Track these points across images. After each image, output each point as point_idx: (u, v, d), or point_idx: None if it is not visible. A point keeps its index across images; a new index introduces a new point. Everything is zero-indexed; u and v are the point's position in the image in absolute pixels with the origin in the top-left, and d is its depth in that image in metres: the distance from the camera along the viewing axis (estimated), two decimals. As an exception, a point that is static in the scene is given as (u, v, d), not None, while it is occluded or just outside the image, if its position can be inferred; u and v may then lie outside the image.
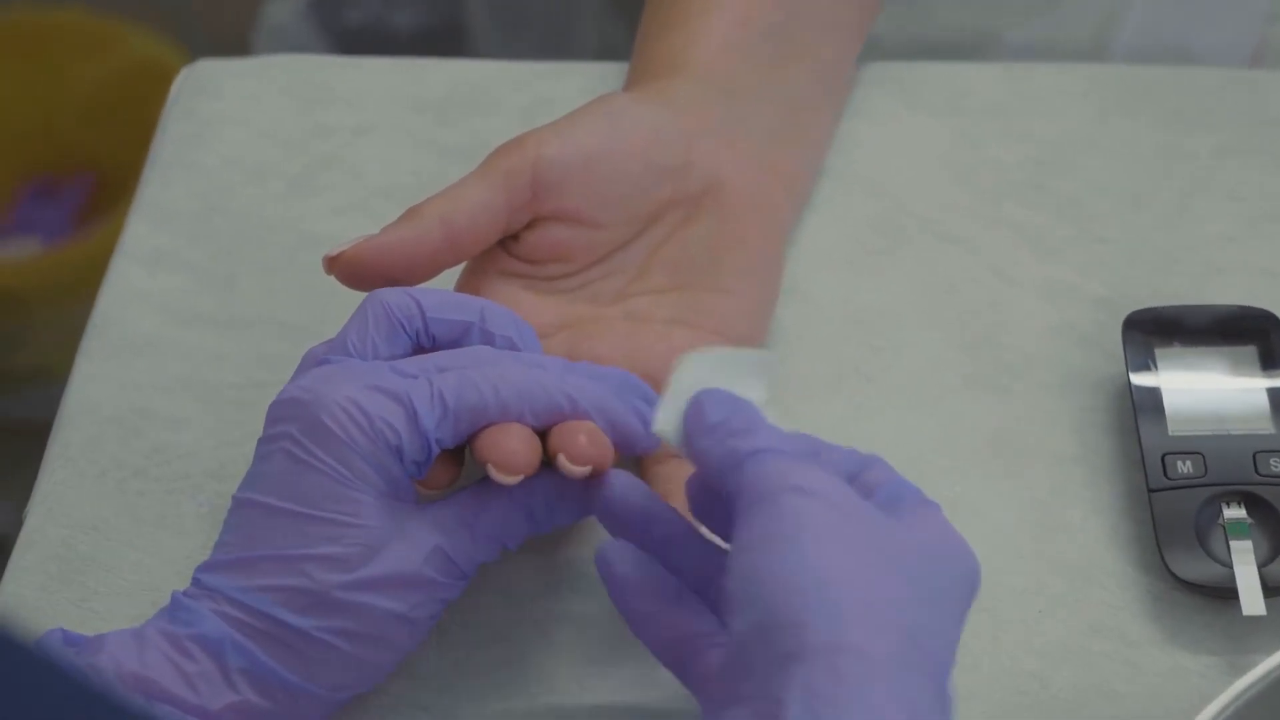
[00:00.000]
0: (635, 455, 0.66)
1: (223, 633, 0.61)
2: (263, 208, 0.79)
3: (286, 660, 0.61)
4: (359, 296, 0.67)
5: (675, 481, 0.65)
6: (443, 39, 1.53)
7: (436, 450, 0.62)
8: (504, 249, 0.70)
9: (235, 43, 1.55)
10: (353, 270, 0.67)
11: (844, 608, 0.52)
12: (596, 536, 0.68)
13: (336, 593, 0.61)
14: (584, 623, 0.67)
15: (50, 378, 1.56)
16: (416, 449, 0.62)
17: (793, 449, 0.58)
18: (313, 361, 0.65)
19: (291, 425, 0.62)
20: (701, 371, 0.61)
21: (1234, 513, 0.67)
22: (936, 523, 0.58)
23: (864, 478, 0.59)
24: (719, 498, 0.60)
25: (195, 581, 0.63)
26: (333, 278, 0.67)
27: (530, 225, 0.70)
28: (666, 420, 0.61)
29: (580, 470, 0.62)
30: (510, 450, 0.62)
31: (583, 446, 0.62)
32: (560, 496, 0.64)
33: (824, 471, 0.57)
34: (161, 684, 0.60)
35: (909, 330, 0.74)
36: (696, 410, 0.60)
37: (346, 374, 0.62)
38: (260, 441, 0.63)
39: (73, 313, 1.53)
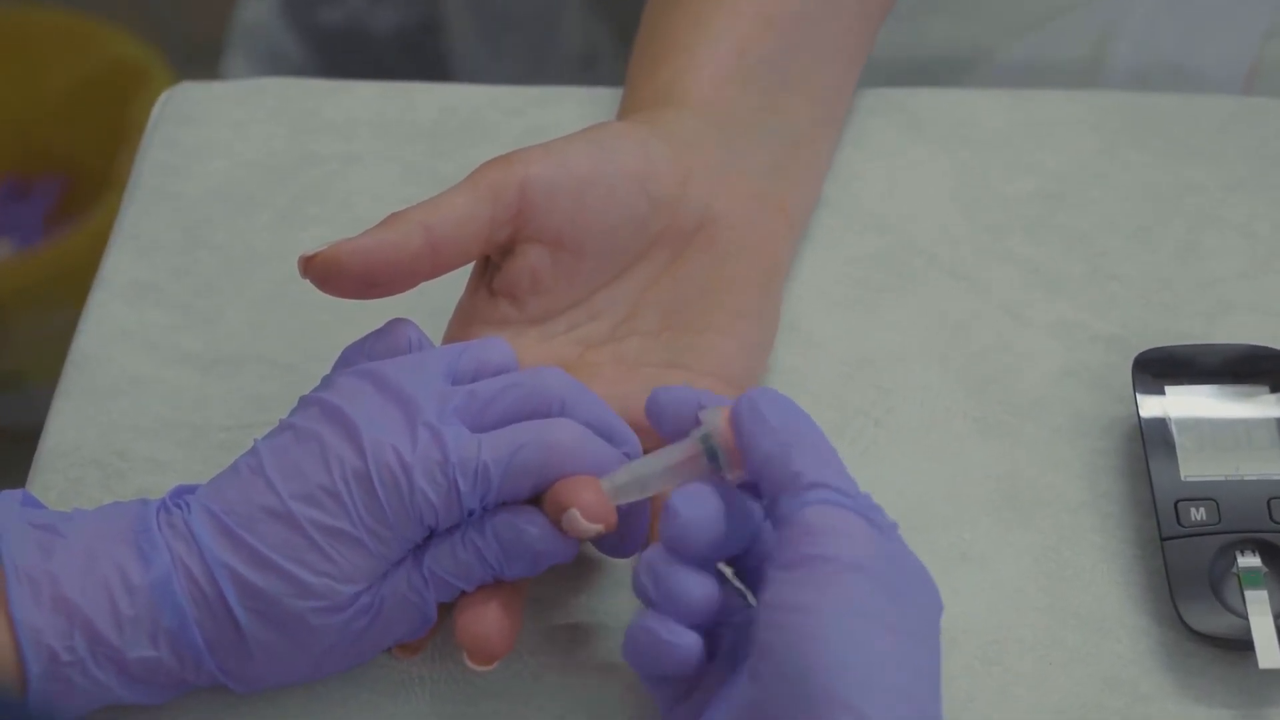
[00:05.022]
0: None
1: (169, 587, 0.60)
2: (249, 240, 0.77)
3: (213, 639, 0.61)
4: (352, 336, 0.65)
5: None
6: (421, 37, 1.51)
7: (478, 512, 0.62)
8: (487, 288, 0.68)
9: (210, 43, 1.53)
10: (328, 272, 0.65)
11: (872, 691, 0.56)
12: (589, 590, 0.67)
13: (288, 601, 0.61)
14: (579, 677, 0.65)
15: (24, 383, 1.54)
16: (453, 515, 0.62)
17: (850, 491, 0.59)
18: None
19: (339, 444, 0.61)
20: None
21: (1248, 561, 0.65)
22: (910, 557, 0.60)
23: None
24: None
25: (180, 505, 0.62)
26: (325, 316, 0.65)
27: (511, 253, 0.68)
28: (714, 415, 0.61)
29: (592, 529, 0.61)
30: (587, 502, 0.61)
31: (590, 503, 0.61)
32: (517, 541, 0.62)
33: (869, 530, 0.58)
34: (89, 617, 0.60)
35: (916, 372, 0.72)
36: (753, 409, 0.60)
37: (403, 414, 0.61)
38: (299, 412, 0.62)
39: (47, 318, 1.51)
